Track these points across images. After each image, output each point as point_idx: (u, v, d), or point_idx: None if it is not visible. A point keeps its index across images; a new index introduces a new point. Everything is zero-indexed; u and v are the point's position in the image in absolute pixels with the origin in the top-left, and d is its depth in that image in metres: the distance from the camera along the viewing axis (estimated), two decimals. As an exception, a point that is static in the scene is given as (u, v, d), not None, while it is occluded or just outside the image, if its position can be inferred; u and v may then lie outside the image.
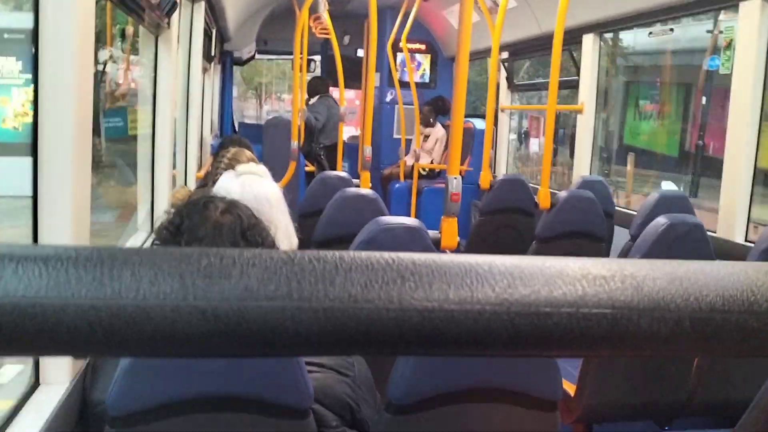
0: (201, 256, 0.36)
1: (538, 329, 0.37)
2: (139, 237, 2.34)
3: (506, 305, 0.37)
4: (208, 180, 2.85)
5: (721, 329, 0.38)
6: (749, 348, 0.39)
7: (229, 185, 1.52)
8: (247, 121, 16.42)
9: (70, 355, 0.35)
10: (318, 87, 6.44)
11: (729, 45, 2.87)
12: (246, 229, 1.14)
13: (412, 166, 5.65)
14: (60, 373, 1.14)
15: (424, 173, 5.86)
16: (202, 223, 1.12)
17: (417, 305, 0.36)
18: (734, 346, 0.39)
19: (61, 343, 0.33)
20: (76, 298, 0.33)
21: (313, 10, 4.55)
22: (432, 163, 5.97)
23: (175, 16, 2.33)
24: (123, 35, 2.40)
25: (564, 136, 8.00)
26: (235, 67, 7.33)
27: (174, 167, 2.77)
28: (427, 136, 6.07)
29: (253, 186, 1.52)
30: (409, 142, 6.04)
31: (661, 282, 0.39)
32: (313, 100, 6.42)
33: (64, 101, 1.11)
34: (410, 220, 1.97)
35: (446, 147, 6.04)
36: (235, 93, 9.35)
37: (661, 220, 2.19)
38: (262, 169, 1.65)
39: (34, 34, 1.09)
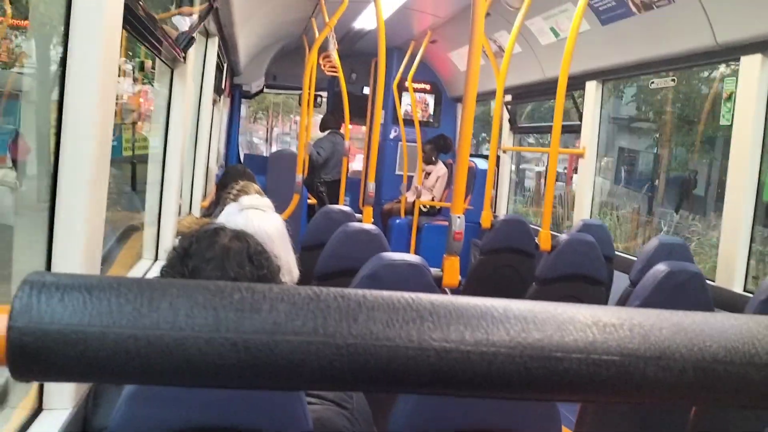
0: (234, 290, 0.38)
1: (550, 373, 0.39)
2: (143, 264, 2.35)
3: (520, 348, 0.38)
4: (212, 210, 2.88)
5: (723, 380, 0.40)
6: (750, 399, 0.41)
7: (234, 218, 1.55)
8: (256, 140, 16.41)
9: (110, 382, 0.36)
10: (328, 123, 6.56)
11: (729, 97, 2.93)
12: (253, 254, 1.17)
13: (413, 203, 5.69)
14: (63, 398, 1.15)
15: (424, 210, 5.89)
16: (211, 246, 1.15)
17: (435, 345, 0.38)
18: (735, 396, 0.41)
19: (102, 370, 0.35)
20: (116, 327, 0.35)
21: (323, 48, 4.65)
22: (433, 200, 6.01)
23: (191, 50, 2.39)
24: (142, 68, 2.47)
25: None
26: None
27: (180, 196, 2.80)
28: (428, 173, 6.13)
29: (256, 220, 1.54)
30: (410, 178, 6.09)
31: (667, 332, 0.40)
32: (321, 135, 6.54)
33: (86, 132, 1.15)
34: (412, 257, 1.99)
35: (447, 184, 6.09)
36: (243, 113, 9.41)
37: (661, 267, 2.21)
38: (266, 203, 1.68)
39: (62, 72, 1.13)
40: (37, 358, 0.34)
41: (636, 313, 0.42)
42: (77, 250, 1.16)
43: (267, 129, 21.58)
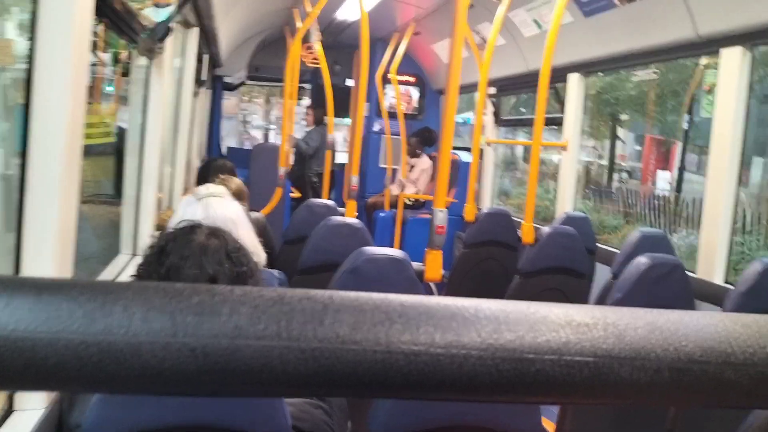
0: (192, 293, 0.36)
1: (522, 375, 0.37)
2: (121, 259, 2.32)
3: (491, 350, 0.37)
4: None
5: (699, 380, 0.39)
6: (726, 399, 0.40)
7: (191, 209, 1.53)
8: (254, 125, 15.48)
9: (58, 390, 0.34)
10: (319, 116, 6.54)
11: (711, 90, 2.95)
12: (231, 251, 1.15)
13: (397, 196, 5.68)
14: (35, 399, 1.12)
15: (409, 203, 5.88)
16: (188, 244, 1.13)
17: (404, 348, 0.36)
18: (711, 396, 0.40)
19: (50, 379, 0.33)
20: (66, 332, 0.33)
21: (306, 39, 4.61)
22: (417, 193, 6.00)
23: (168, 40, 2.34)
24: (116, 60, 2.42)
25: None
26: None
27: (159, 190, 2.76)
28: (412, 166, 6.12)
29: (215, 207, 1.53)
30: (394, 171, 6.08)
31: (642, 331, 0.39)
32: (310, 128, 6.52)
33: (55, 129, 1.11)
34: (395, 252, 1.98)
35: (432, 177, 6.09)
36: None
37: (642, 260, 2.22)
38: (221, 189, 1.67)
39: (30, 59, 1.09)
40: None
41: (610, 312, 0.41)
42: (48, 252, 1.13)
43: (264, 112, 17.83)
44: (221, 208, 1.54)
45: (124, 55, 2.39)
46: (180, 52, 3.27)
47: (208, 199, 1.55)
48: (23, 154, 1.11)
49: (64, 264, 1.19)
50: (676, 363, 0.39)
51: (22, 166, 1.11)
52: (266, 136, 15.32)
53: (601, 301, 2.73)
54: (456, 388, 0.38)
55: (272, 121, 16.44)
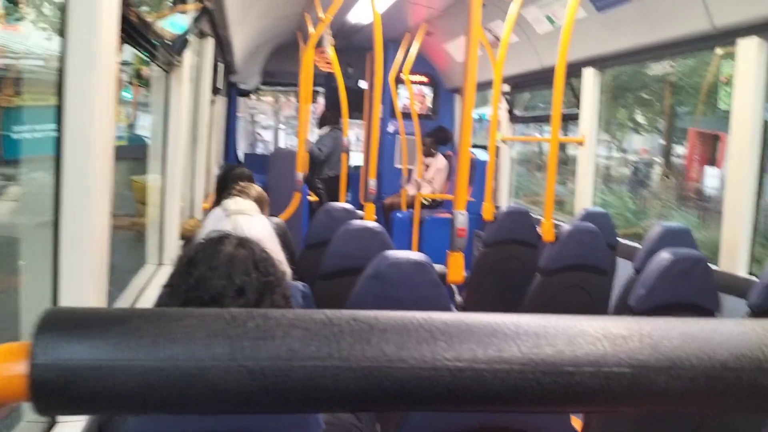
0: (248, 317, 0.38)
1: (562, 388, 0.39)
2: (148, 269, 2.36)
3: (532, 365, 0.39)
4: (214, 211, 2.88)
5: (734, 386, 0.40)
6: (760, 405, 0.41)
7: (221, 224, 1.56)
8: (263, 125, 15.12)
9: (132, 414, 0.37)
10: (327, 119, 6.55)
11: (728, 82, 2.92)
12: (258, 261, 1.17)
13: (414, 196, 5.69)
14: None
15: (426, 203, 5.90)
16: (216, 254, 1.15)
17: (449, 365, 0.38)
18: (746, 403, 0.41)
19: (123, 402, 0.36)
20: (136, 360, 0.35)
21: (318, 44, 4.64)
22: (433, 192, 6.01)
23: (186, 53, 2.38)
24: (139, 75, 2.47)
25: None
26: None
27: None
28: (428, 166, 6.13)
29: (243, 226, 1.55)
30: (410, 171, 6.09)
31: (677, 341, 0.41)
32: (322, 132, 6.54)
33: (87, 151, 1.14)
34: (416, 255, 1.99)
35: (448, 177, 6.09)
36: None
37: (665, 255, 2.21)
38: (251, 206, 1.68)
39: (59, 86, 1.12)
40: (59, 393, 0.35)
41: (645, 323, 0.42)
42: (84, 282, 1.16)
43: (274, 113, 16.59)
44: (248, 226, 1.56)
45: (146, 70, 2.43)
46: (196, 62, 3.31)
47: (237, 218, 1.58)
48: (57, 186, 1.13)
49: (100, 293, 1.23)
50: (710, 371, 0.40)
51: (56, 199, 1.14)
52: (276, 137, 14.87)
53: (624, 297, 2.72)
54: (499, 401, 0.39)
55: (282, 121, 15.83)
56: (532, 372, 0.39)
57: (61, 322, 0.36)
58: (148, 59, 2.03)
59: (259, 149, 12.30)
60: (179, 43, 2.32)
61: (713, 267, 2.68)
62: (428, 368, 0.38)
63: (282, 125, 15.88)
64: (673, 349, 0.40)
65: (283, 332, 0.38)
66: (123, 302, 1.96)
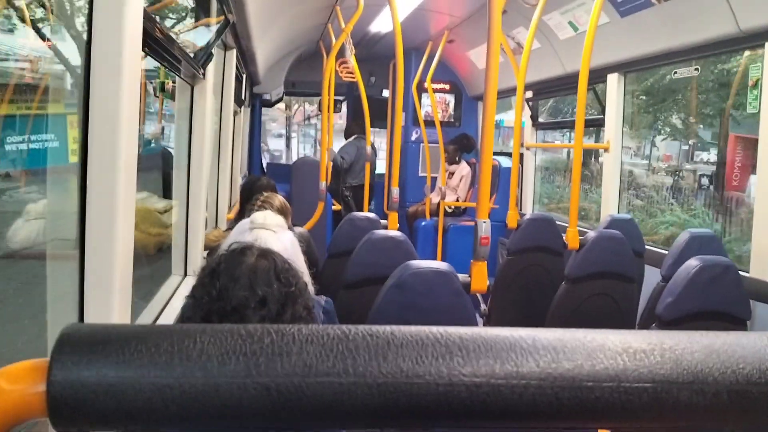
0: (264, 333, 0.38)
1: (581, 403, 0.38)
2: (173, 280, 2.38)
3: (550, 380, 0.38)
4: (238, 222, 2.91)
5: (758, 401, 0.39)
6: None
7: (244, 237, 1.57)
8: (274, 134, 15.00)
9: (148, 430, 0.37)
10: (352, 129, 6.62)
11: (756, 84, 2.87)
12: (280, 272, 1.18)
13: (438, 204, 5.68)
14: None
15: (450, 211, 5.87)
16: (239, 265, 1.16)
17: (465, 380, 0.38)
18: None
19: (139, 419, 0.36)
20: (152, 377, 0.36)
21: (340, 54, 4.66)
22: (457, 200, 5.99)
23: (210, 66, 2.42)
24: (163, 89, 2.50)
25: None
26: None
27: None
28: (451, 174, 6.11)
29: (265, 241, 1.54)
30: (434, 179, 6.08)
31: (699, 355, 0.40)
32: (346, 141, 6.61)
33: (111, 166, 1.16)
34: (440, 264, 1.98)
35: (471, 184, 6.07)
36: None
37: (693, 262, 2.17)
38: (277, 221, 1.67)
39: (84, 103, 1.14)
40: (77, 409, 0.35)
41: (666, 337, 0.41)
42: (108, 297, 1.18)
43: (286, 120, 15.18)
44: (269, 243, 1.55)
45: (170, 85, 2.46)
46: (220, 74, 3.36)
47: (259, 231, 1.59)
48: (82, 203, 1.15)
49: (124, 310, 1.24)
50: (734, 386, 0.39)
51: (82, 217, 1.16)
52: (289, 146, 14.46)
53: (652, 305, 2.67)
54: (517, 417, 0.39)
55: (294, 129, 15.34)
56: (550, 387, 0.38)
57: (78, 340, 0.36)
58: (172, 73, 2.06)
59: (264, 158, 12.25)
60: (203, 57, 2.35)
61: (745, 274, 2.62)
62: (445, 384, 0.38)
63: (294, 133, 15.32)
64: (696, 364, 0.39)
65: (298, 348, 0.38)
66: (148, 314, 1.99)
